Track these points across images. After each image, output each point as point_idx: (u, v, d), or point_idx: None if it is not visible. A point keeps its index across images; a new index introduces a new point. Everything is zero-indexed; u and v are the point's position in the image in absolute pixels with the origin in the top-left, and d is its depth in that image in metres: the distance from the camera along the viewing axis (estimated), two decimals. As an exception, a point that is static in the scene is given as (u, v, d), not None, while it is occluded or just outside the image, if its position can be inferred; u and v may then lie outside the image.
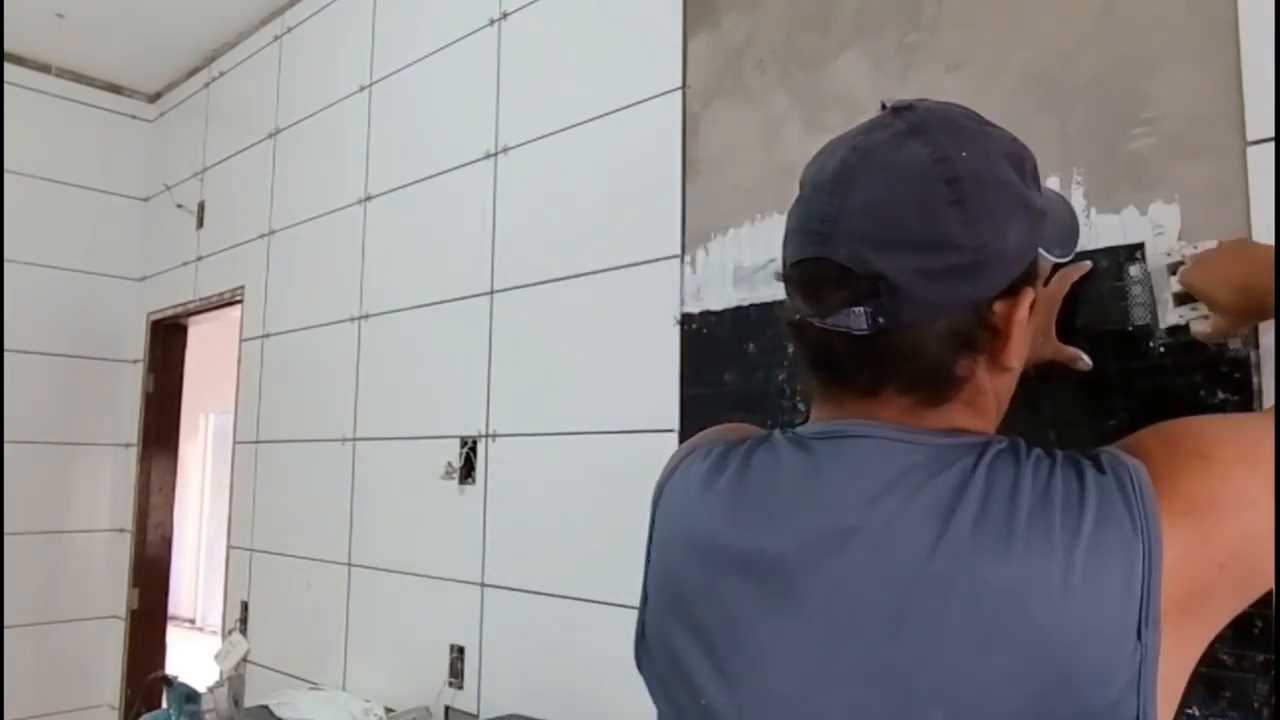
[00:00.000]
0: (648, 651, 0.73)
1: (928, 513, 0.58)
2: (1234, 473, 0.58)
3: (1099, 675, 0.53)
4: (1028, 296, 0.63)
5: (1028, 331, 0.65)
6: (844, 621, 0.58)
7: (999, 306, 0.62)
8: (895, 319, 0.59)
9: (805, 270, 0.63)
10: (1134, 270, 1.17)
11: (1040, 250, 0.66)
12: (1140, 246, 1.18)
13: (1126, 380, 1.17)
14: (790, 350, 1.52)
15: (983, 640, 0.54)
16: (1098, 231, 1.22)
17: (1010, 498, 0.57)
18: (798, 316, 0.64)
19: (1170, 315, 1.13)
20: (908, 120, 0.64)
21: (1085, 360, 1.10)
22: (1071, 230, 0.74)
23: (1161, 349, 1.14)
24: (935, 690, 0.55)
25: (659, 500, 0.76)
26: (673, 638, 0.68)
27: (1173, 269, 1.12)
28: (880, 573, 0.58)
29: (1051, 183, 1.26)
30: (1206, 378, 1.10)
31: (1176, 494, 0.57)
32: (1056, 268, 0.69)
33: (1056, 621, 0.53)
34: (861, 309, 0.59)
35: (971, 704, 0.54)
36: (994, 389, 0.66)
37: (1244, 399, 1.08)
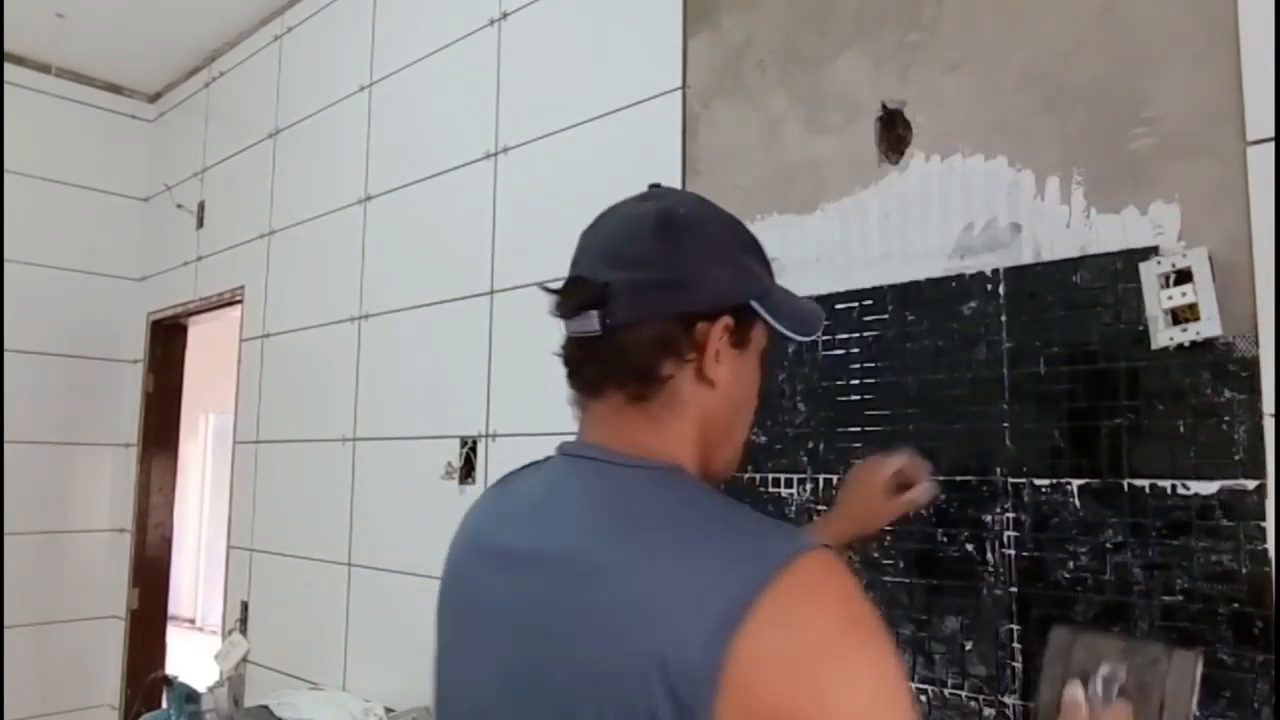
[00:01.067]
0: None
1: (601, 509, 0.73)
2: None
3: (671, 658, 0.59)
4: (723, 321, 0.77)
5: (736, 361, 0.79)
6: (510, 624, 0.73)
7: (700, 324, 0.76)
8: (615, 319, 0.75)
9: (564, 286, 0.80)
10: (1128, 282, 1.17)
11: (757, 306, 0.79)
12: (1137, 253, 1.18)
13: (1132, 380, 1.17)
14: (790, 350, 1.52)
15: (599, 647, 0.64)
16: (1098, 231, 1.22)
17: (664, 511, 0.71)
18: (565, 337, 0.81)
19: (1162, 335, 1.13)
20: (651, 192, 0.84)
21: (924, 495, 1.13)
22: (809, 321, 0.85)
23: (1168, 348, 1.14)
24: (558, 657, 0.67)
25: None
26: (441, 625, 0.83)
27: (1165, 280, 1.12)
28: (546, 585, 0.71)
29: (1051, 183, 1.27)
30: (1214, 376, 1.11)
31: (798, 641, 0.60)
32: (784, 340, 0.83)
33: (642, 640, 0.61)
34: (594, 312, 0.75)
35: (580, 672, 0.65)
36: (699, 401, 0.78)
37: (1251, 398, 1.08)
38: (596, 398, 0.80)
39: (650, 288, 0.75)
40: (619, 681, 0.61)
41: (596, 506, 0.74)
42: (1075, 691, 0.93)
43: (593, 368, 0.80)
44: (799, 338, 0.83)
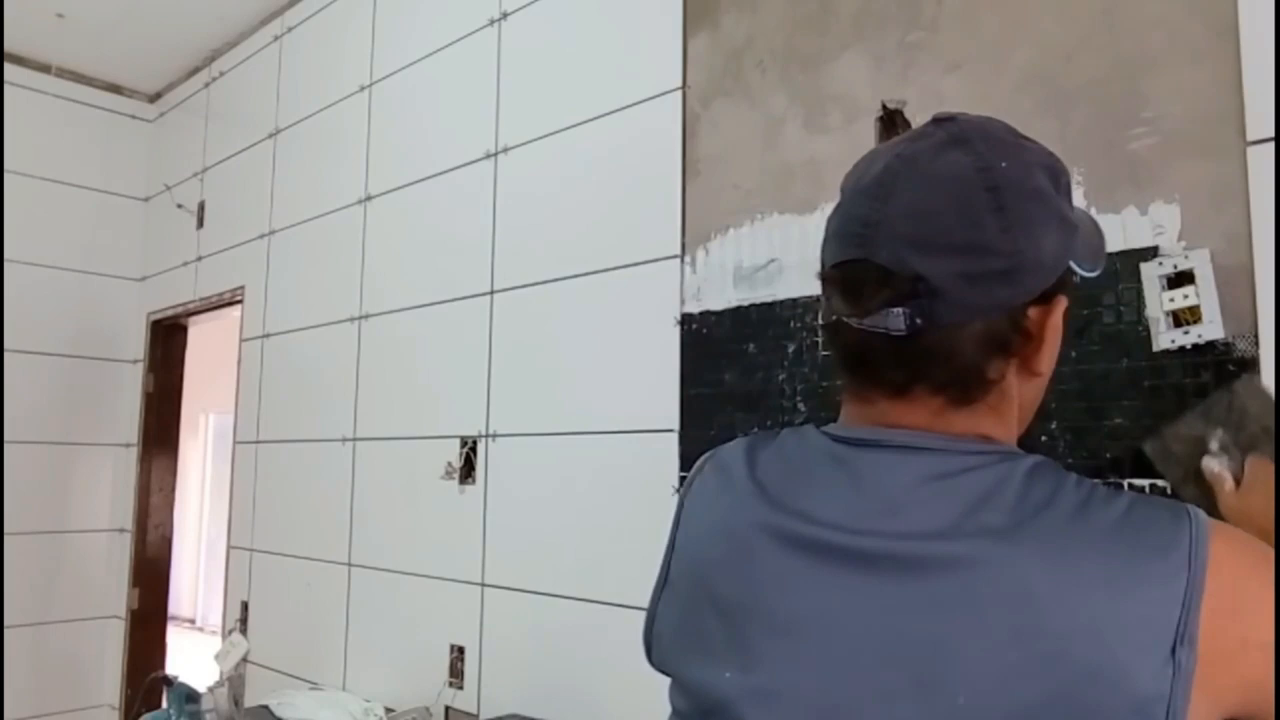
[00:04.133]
0: (659, 641, 0.74)
1: (957, 501, 0.59)
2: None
3: (1125, 676, 0.54)
4: (1061, 303, 0.66)
5: (1058, 338, 0.67)
6: (868, 604, 0.60)
7: (1033, 312, 0.64)
8: (933, 320, 0.61)
9: (846, 271, 0.64)
10: (1128, 283, 1.17)
11: (1071, 263, 0.67)
12: (1138, 253, 1.18)
13: (1133, 379, 1.17)
14: (790, 350, 1.52)
15: (1006, 629, 0.55)
16: (1098, 231, 1.22)
17: (1049, 503, 0.58)
18: (835, 318, 0.66)
19: (1163, 338, 1.13)
20: (949, 130, 0.66)
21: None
22: (1099, 247, 0.75)
23: (1168, 348, 1.14)
24: (956, 674, 0.56)
25: (685, 499, 0.76)
26: (700, 619, 0.68)
27: (1166, 282, 1.12)
28: (906, 550, 0.59)
29: (1051, 183, 1.27)
30: (1214, 376, 1.10)
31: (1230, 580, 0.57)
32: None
33: (1081, 623, 0.54)
34: (900, 310, 0.61)
35: (990, 689, 0.55)
36: (1020, 396, 0.68)
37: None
38: (900, 398, 0.65)
39: (982, 280, 0.61)
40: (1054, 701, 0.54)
41: (958, 500, 0.60)
42: (1210, 465, 0.95)
43: (899, 370, 0.64)
44: (1096, 274, 0.71)
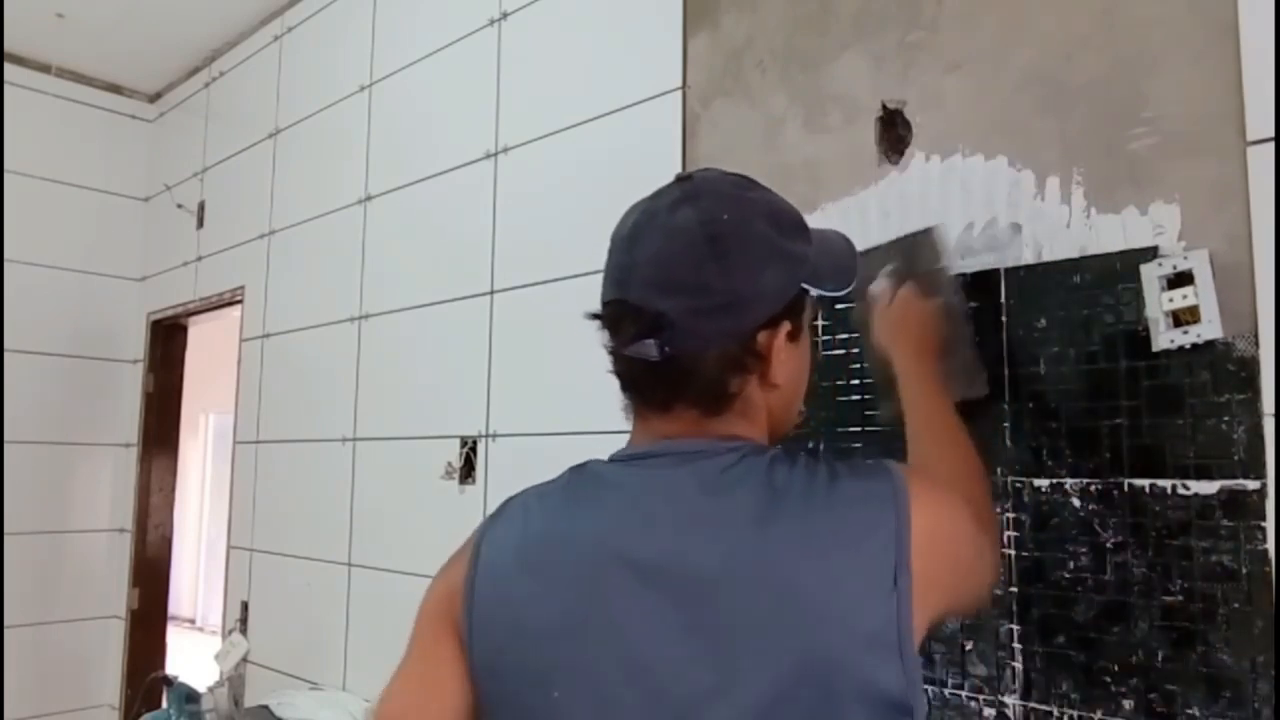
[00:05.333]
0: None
1: (726, 513, 0.72)
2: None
3: (862, 608, 0.68)
4: (784, 328, 0.78)
5: (793, 355, 0.80)
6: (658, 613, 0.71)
7: (761, 336, 0.77)
8: (677, 347, 0.74)
9: (610, 310, 0.79)
10: (1128, 283, 1.17)
11: (807, 286, 0.81)
12: (1137, 253, 1.18)
13: (1132, 380, 1.17)
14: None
15: (769, 597, 0.68)
16: (1098, 232, 1.22)
17: (786, 487, 0.72)
18: (610, 346, 0.80)
19: (1163, 338, 1.13)
20: (684, 189, 0.80)
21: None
22: (847, 267, 0.87)
23: (1167, 348, 1.14)
24: (738, 647, 0.68)
25: (478, 549, 0.81)
26: (522, 655, 0.75)
27: (1166, 282, 1.12)
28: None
29: (1051, 183, 1.27)
30: (1213, 376, 1.11)
31: (926, 503, 0.74)
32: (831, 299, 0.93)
33: (828, 577, 0.68)
34: (651, 340, 0.74)
35: (762, 650, 0.68)
36: (767, 403, 0.81)
37: (1251, 398, 1.08)
38: (665, 413, 0.80)
39: (708, 313, 0.74)
40: (823, 667, 0.67)
41: (715, 504, 0.74)
42: (873, 288, 1.22)
43: (659, 391, 0.79)
44: (844, 292, 0.85)
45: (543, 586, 0.75)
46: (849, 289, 0.86)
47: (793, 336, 0.79)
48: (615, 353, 0.80)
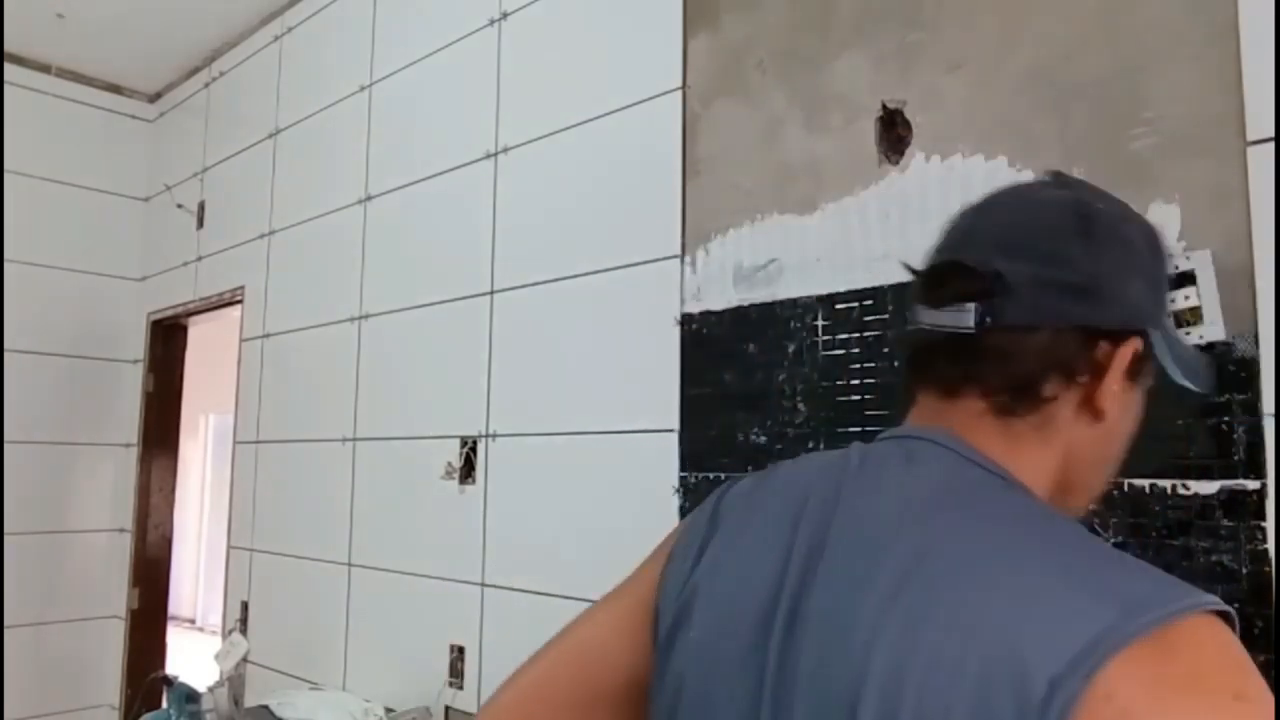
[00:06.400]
0: (662, 681, 0.70)
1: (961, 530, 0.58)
2: None
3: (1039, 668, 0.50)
4: (1131, 349, 0.64)
5: (1128, 394, 0.66)
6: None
7: (1104, 344, 0.64)
8: (1001, 318, 0.62)
9: (933, 268, 0.68)
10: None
11: (1157, 334, 0.66)
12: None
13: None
14: (790, 350, 1.52)
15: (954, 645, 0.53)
16: (1098, 231, 1.22)
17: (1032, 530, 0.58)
18: (908, 326, 0.69)
19: None
20: (1058, 180, 0.71)
21: None
22: (1197, 368, 0.72)
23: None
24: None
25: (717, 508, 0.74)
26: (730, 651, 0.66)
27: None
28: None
29: (1051, 183, 1.27)
30: (1214, 378, 1.10)
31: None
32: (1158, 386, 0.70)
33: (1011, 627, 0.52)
34: (973, 305, 0.63)
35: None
36: (1072, 435, 0.65)
37: (1251, 398, 1.08)
38: (948, 398, 0.67)
39: (1058, 289, 0.62)
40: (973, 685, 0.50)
41: (948, 502, 0.61)
42: None
43: (955, 367, 0.66)
44: (1191, 385, 0.70)
45: (751, 538, 0.67)
46: (1198, 389, 0.72)
47: (1134, 371, 0.65)
48: (908, 333, 0.69)
